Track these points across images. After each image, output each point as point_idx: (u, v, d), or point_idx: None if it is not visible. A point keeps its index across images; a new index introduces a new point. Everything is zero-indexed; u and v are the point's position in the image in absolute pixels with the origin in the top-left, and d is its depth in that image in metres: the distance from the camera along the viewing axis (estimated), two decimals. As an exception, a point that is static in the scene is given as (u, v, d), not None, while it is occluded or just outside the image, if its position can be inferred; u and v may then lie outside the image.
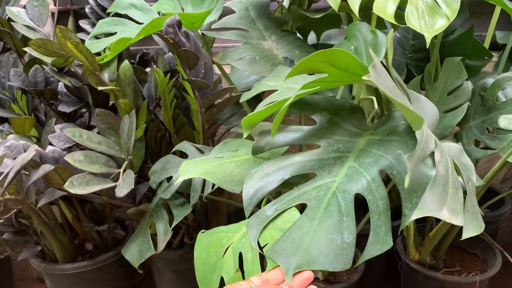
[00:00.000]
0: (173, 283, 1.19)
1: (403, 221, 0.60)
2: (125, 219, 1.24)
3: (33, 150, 0.73)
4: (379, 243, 0.58)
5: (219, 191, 1.16)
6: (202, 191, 0.91)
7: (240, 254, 0.70)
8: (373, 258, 1.27)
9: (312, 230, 0.61)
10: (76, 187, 0.75)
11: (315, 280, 1.09)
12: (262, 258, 0.67)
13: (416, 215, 0.55)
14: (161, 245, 0.90)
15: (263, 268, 0.67)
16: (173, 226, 0.92)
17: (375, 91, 1.03)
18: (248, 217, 0.67)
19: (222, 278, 0.70)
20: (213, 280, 0.71)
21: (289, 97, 0.66)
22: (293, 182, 0.70)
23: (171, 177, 0.96)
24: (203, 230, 0.75)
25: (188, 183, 0.95)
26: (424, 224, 1.17)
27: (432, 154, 0.60)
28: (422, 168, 0.62)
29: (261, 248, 0.64)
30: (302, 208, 0.66)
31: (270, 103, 0.72)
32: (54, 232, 1.05)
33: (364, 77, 0.50)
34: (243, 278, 0.68)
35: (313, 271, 1.10)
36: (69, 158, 0.78)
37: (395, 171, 0.63)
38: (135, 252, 0.95)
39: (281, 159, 0.71)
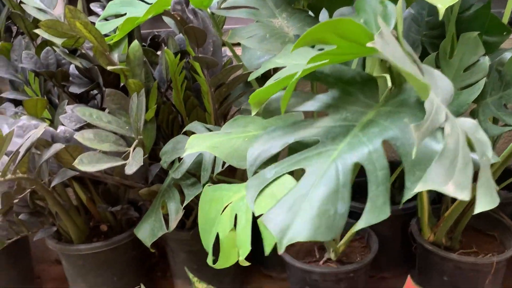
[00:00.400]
0: (187, 263, 1.19)
1: (405, 194, 0.59)
2: (139, 200, 1.25)
3: (42, 127, 0.73)
4: (376, 212, 0.58)
5: (231, 172, 1.16)
6: (213, 172, 0.91)
7: (236, 216, 0.71)
8: (387, 240, 1.26)
9: (307, 200, 0.61)
10: (86, 164, 0.75)
11: (328, 261, 1.08)
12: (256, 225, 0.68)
13: (419, 188, 0.54)
14: (173, 224, 0.91)
15: (253, 236, 0.69)
16: (184, 205, 0.93)
17: (389, 69, 1.01)
18: (250, 178, 0.68)
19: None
20: (211, 233, 0.74)
21: (297, 71, 0.65)
22: (297, 147, 0.70)
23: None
24: (209, 184, 0.78)
25: (198, 163, 0.95)
26: (440, 205, 1.15)
27: (441, 127, 0.59)
28: (428, 140, 0.61)
29: (255, 217, 0.65)
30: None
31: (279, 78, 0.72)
32: (69, 213, 1.07)
33: (369, 44, 0.49)
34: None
35: (325, 251, 1.10)
36: (78, 136, 0.78)
37: (399, 142, 0.62)
38: (147, 231, 0.95)
39: (288, 125, 0.72)
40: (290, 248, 1.14)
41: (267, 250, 0.68)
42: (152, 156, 1.10)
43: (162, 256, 1.37)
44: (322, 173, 0.63)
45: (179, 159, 0.98)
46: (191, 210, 1.17)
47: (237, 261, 1.17)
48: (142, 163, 0.78)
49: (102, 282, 1.17)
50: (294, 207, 0.61)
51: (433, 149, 0.61)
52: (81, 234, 1.14)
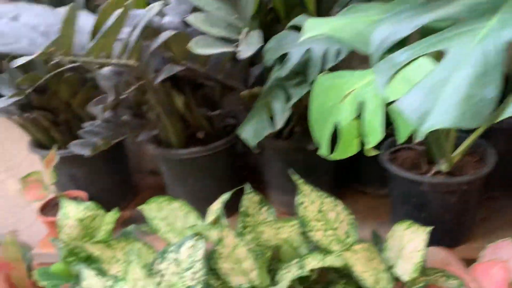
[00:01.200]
0: (283, 173, 1.17)
1: None
2: (235, 110, 1.23)
3: (158, 6, 0.70)
4: None
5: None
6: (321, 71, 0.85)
7: (361, 104, 0.66)
8: (501, 156, 1.14)
9: (450, 83, 0.54)
10: (201, 47, 0.72)
11: (438, 173, 1.01)
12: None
13: None
14: (279, 123, 0.87)
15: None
16: (290, 104, 0.88)
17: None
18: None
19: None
20: (327, 123, 0.70)
21: None
22: (428, 31, 0.62)
23: (286, 54, 0.91)
24: (323, 73, 0.72)
25: (304, 63, 0.89)
26: None
27: None
28: None
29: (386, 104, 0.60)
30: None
31: None
32: (171, 116, 1.07)
33: None
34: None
35: (433, 164, 1.02)
36: (191, 17, 0.75)
37: None
38: (251, 131, 0.93)
39: (420, 5, 0.63)
40: (392, 161, 1.07)
41: (402, 138, 0.63)
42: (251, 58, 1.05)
43: (256, 168, 1.37)
44: (467, 53, 0.55)
45: (283, 56, 0.92)
46: (288, 120, 1.13)
47: (332, 177, 1.13)
48: (261, 44, 0.73)
49: (200, 187, 1.19)
50: (434, 92, 0.54)
51: None
52: (180, 140, 1.14)
